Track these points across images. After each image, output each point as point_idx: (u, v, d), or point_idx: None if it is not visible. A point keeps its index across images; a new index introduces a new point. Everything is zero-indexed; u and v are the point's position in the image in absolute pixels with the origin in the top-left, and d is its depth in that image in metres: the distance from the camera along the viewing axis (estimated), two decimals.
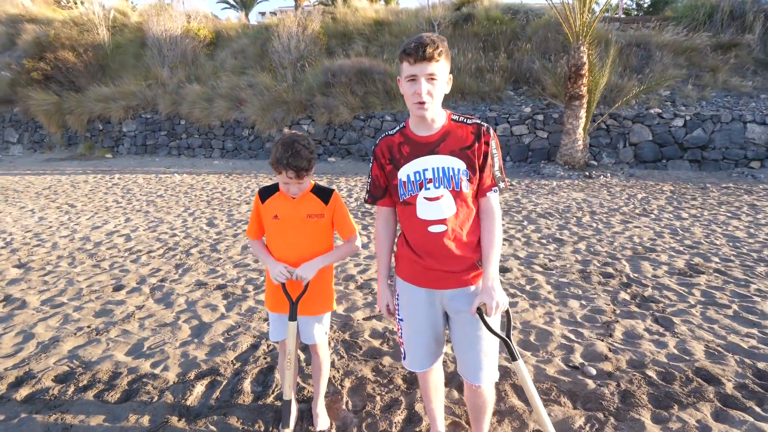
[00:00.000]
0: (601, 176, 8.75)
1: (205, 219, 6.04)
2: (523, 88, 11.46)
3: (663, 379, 2.34)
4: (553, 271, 3.94)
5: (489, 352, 1.57)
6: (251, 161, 12.10)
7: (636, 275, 3.80)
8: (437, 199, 1.49)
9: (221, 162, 12.06)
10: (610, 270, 3.94)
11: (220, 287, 3.69)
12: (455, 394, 2.25)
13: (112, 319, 3.11)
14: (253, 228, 1.94)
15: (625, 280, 3.71)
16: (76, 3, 18.14)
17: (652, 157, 9.59)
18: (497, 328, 1.56)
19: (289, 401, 1.89)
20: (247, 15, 22.38)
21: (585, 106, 9.17)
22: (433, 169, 1.49)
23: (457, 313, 1.57)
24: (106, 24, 16.01)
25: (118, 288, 3.69)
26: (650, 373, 2.38)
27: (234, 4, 25.72)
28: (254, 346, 2.73)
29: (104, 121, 13.96)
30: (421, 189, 1.50)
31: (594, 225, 5.45)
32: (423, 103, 1.40)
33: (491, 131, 1.51)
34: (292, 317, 1.82)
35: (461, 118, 1.52)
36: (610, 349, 2.63)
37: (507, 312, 1.53)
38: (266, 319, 3.07)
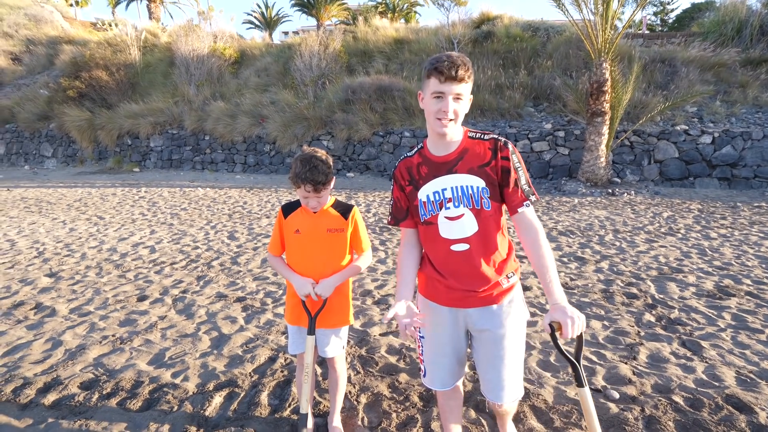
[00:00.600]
0: (625, 194, 8.58)
1: (227, 232, 6.19)
2: (544, 105, 11.44)
3: (691, 405, 2.26)
4: (575, 291, 3.87)
5: (513, 370, 1.56)
6: (272, 176, 12.37)
7: (662, 296, 3.70)
8: (458, 218, 1.49)
9: (243, 176, 12.37)
10: (634, 290, 3.84)
11: (239, 300, 3.76)
12: (472, 413, 2.22)
13: (135, 329, 3.21)
14: (276, 244, 2.00)
15: (650, 301, 3.61)
16: (110, 25, 19.17)
17: (678, 175, 9.37)
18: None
19: (306, 414, 1.92)
20: (270, 35, 23.17)
21: (608, 122, 9.08)
22: (452, 188, 1.49)
23: (480, 332, 1.57)
24: (137, 44, 16.86)
25: (142, 298, 3.80)
26: (677, 398, 2.31)
27: (259, 24, 26.68)
28: (272, 359, 2.76)
29: (133, 136, 14.56)
30: (441, 208, 1.50)
31: (617, 244, 5.34)
32: (447, 121, 1.42)
33: (509, 145, 1.49)
34: (311, 331, 1.87)
35: (478, 134, 1.52)
36: (634, 373, 2.56)
37: (579, 334, 1.40)
38: (284, 332, 3.11)
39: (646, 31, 17.02)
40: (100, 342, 3.00)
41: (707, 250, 5.02)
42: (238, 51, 16.48)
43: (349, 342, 2.97)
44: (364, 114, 11.67)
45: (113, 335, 3.11)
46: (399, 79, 12.50)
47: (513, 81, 11.80)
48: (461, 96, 1.42)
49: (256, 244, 5.58)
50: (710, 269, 4.36)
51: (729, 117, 9.86)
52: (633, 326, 3.17)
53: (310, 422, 2.05)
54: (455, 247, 1.50)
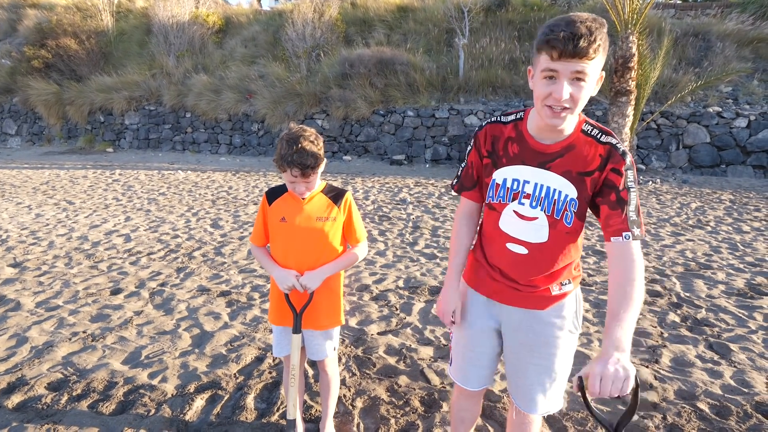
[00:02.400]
0: (650, 182, 8.57)
1: (210, 220, 6.18)
2: None
3: (717, 413, 2.27)
4: (593, 287, 3.88)
5: (550, 381, 1.50)
6: (260, 158, 12.32)
7: (687, 295, 3.71)
8: (530, 219, 1.38)
9: (228, 158, 12.32)
10: (657, 288, 3.85)
11: (223, 294, 3.77)
12: (479, 420, 2.23)
13: (108, 325, 3.22)
14: (259, 234, 1.96)
15: (674, 299, 3.63)
16: None
17: (709, 162, 9.35)
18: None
19: (293, 421, 1.92)
20: (259, 0, 22.87)
21: (633, 102, 9.02)
22: (535, 184, 1.36)
23: (514, 331, 1.51)
24: (110, 9, 16.64)
25: (115, 291, 3.81)
26: (702, 405, 2.32)
27: None
28: (259, 359, 2.77)
29: (106, 112, 14.46)
30: (514, 200, 1.39)
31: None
32: (562, 109, 1.21)
33: (628, 157, 1.28)
34: (296, 330, 1.85)
35: (595, 131, 1.32)
36: (656, 377, 2.58)
37: (635, 392, 1.15)
38: (272, 331, 3.12)
39: (678, 1, 16.81)
40: (70, 339, 3.01)
41: (739, 244, 5.02)
42: (222, 18, 16.29)
43: (344, 341, 2.98)
44: (362, 90, 11.58)
45: (84, 332, 3.11)
46: (402, 51, 12.38)
47: (529, 55, 11.69)
48: (583, 76, 1.17)
49: (242, 233, 5.58)
50: (742, 266, 4.37)
51: (767, 98, 9.80)
52: (656, 327, 3.18)
53: (300, 429, 2.06)
54: (512, 246, 1.42)
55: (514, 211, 1.40)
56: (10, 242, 5.15)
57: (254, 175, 9.78)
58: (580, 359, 2.78)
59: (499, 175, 1.41)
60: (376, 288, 3.90)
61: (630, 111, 9.03)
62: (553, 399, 1.52)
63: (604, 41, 1.18)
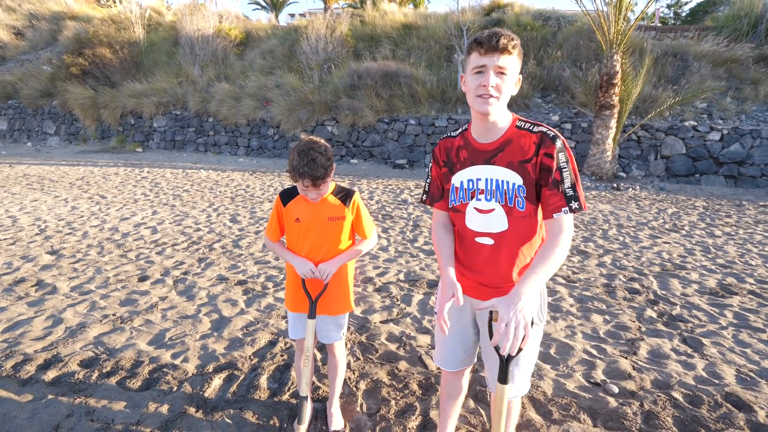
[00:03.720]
0: (630, 189, 8.52)
1: (229, 215, 6.17)
2: (552, 96, 11.30)
3: (690, 402, 2.26)
4: (576, 284, 3.86)
5: (518, 368, 1.52)
6: (275, 160, 12.31)
7: (664, 292, 3.69)
8: (488, 212, 1.41)
9: (246, 160, 12.31)
10: (636, 286, 3.83)
11: (240, 283, 3.76)
12: (471, 403, 2.22)
13: (136, 309, 3.21)
14: (274, 229, 1.96)
15: (652, 296, 3.60)
16: (114, 1, 18.89)
17: (684, 171, 9.29)
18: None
19: (305, 397, 1.92)
20: (277, 16, 22.84)
21: (616, 116, 8.97)
22: (486, 180, 1.40)
23: (484, 324, 1.54)
24: (141, 22, 16.62)
25: (143, 278, 3.81)
26: (676, 395, 2.30)
27: (265, 5, 26.29)
28: (272, 343, 2.77)
29: (136, 116, 14.46)
30: (472, 198, 1.43)
31: (621, 239, 5.31)
32: (489, 96, 1.29)
33: (558, 141, 1.32)
34: (311, 315, 1.85)
35: (527, 125, 1.38)
36: (633, 368, 2.56)
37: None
38: (285, 317, 3.11)
39: (659, 24, 16.71)
40: (101, 321, 3.01)
41: (711, 247, 4.99)
42: (243, 32, 16.25)
43: (349, 328, 2.97)
44: (369, 100, 11.54)
45: (114, 314, 3.11)
46: (406, 65, 12.34)
47: (521, 71, 11.62)
48: (505, 69, 1.28)
49: (258, 227, 5.57)
50: (713, 267, 4.34)
51: (739, 114, 9.72)
52: (634, 321, 3.16)
53: (309, 406, 2.05)
54: (480, 240, 1.44)
55: (474, 207, 1.44)
56: (48, 232, 5.16)
57: (269, 175, 9.76)
58: (565, 350, 2.77)
59: (456, 179, 1.47)
60: (379, 280, 3.88)
61: (613, 123, 8.99)
62: (520, 384, 1.56)
63: (520, 48, 1.32)
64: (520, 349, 1.22)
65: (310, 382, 1.96)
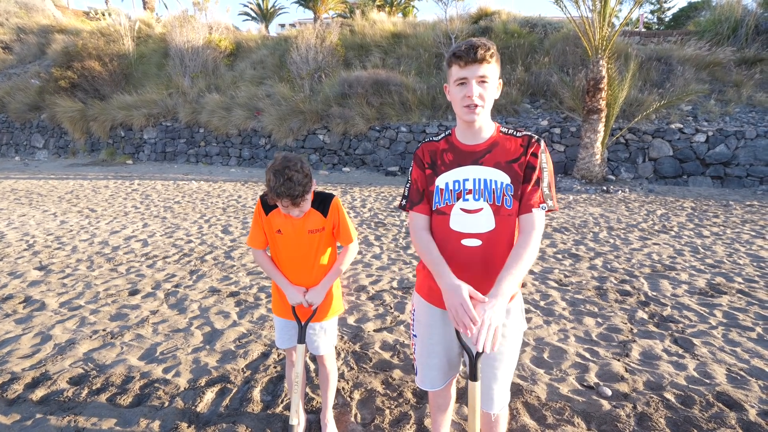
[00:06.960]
0: (619, 191, 8.61)
1: (221, 226, 6.14)
2: (540, 101, 11.42)
3: (682, 402, 2.27)
4: (569, 288, 3.88)
5: (502, 378, 1.52)
6: None
7: (654, 294, 3.72)
8: (476, 212, 1.41)
9: (238, 170, 12.27)
10: (627, 287, 3.86)
11: (232, 294, 3.73)
12: (465, 410, 2.22)
13: (126, 323, 3.17)
14: (258, 237, 1.89)
15: (643, 298, 3.63)
16: (103, 15, 18.86)
17: (672, 173, 9.42)
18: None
19: (294, 426, 1.82)
20: (267, 27, 22.92)
21: (603, 120, 9.09)
22: (474, 180, 1.42)
23: (468, 339, 1.50)
24: (131, 35, 16.59)
25: (133, 292, 3.76)
26: (668, 396, 2.32)
27: (255, 16, 26.39)
28: (265, 355, 2.74)
29: (126, 128, 14.37)
30: (458, 199, 1.43)
31: (611, 241, 5.36)
32: (474, 106, 1.35)
33: (542, 143, 1.42)
34: (301, 339, 1.82)
35: (510, 131, 1.46)
36: (626, 370, 2.57)
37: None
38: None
39: (643, 30, 17.03)
40: (91, 336, 2.97)
41: (700, 248, 5.05)
42: (233, 43, 16.28)
43: (342, 338, 2.95)
44: (360, 108, 11.59)
45: (104, 330, 3.07)
46: (396, 73, 12.42)
47: (510, 77, 11.76)
48: (486, 78, 1.34)
49: None
50: (702, 267, 4.39)
51: (723, 116, 9.90)
52: (626, 323, 3.18)
53: (303, 418, 2.03)
54: (466, 242, 1.42)
55: (461, 208, 1.43)
56: (37, 247, 5.09)
57: (262, 186, 9.73)
58: (558, 353, 2.77)
59: (441, 180, 1.47)
60: (372, 288, 3.87)
61: (601, 127, 9.10)
62: (506, 389, 1.56)
63: (497, 55, 1.37)
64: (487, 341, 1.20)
65: (299, 410, 1.91)
